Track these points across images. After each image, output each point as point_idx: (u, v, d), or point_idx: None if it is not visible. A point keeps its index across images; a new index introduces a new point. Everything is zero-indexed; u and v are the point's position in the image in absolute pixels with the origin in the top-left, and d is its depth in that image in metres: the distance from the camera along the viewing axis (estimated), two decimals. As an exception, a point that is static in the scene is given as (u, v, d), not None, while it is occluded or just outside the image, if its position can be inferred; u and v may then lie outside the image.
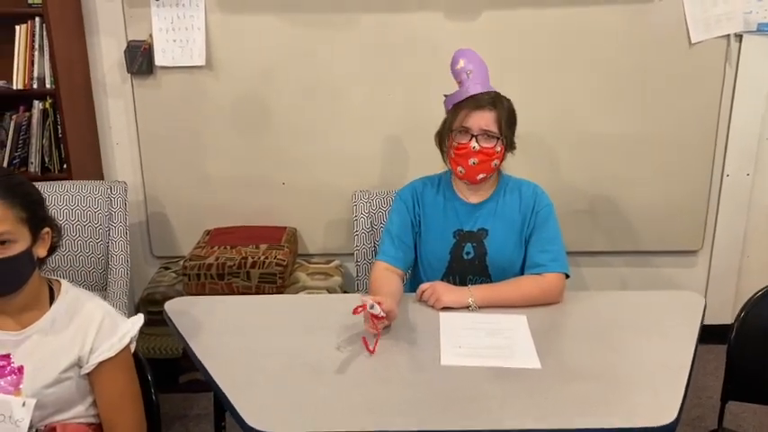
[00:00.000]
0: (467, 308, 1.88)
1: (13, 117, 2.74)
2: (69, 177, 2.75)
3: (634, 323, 1.84)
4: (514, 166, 2.14)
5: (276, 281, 2.72)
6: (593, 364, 1.63)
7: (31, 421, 1.45)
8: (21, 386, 1.45)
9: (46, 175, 2.79)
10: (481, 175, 1.97)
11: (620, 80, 2.93)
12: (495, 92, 1.99)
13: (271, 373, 1.60)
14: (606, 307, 1.94)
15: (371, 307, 1.65)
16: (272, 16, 2.87)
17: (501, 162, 2.00)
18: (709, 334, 2.84)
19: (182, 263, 2.82)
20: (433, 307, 1.89)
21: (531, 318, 1.82)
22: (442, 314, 1.86)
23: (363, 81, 2.94)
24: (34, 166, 2.79)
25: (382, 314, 1.67)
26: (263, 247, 2.83)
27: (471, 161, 1.95)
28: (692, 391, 2.77)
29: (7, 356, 1.47)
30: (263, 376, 1.59)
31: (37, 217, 1.48)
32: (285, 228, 3.04)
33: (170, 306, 1.91)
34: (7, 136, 2.74)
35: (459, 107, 1.97)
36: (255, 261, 2.73)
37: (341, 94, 2.96)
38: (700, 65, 2.90)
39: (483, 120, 1.94)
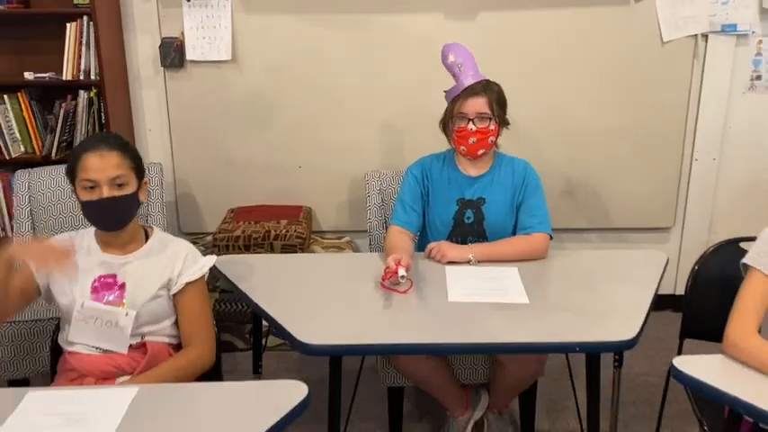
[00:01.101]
0: (468, 262, 2.19)
1: (62, 105, 3.03)
2: (111, 159, 3.06)
3: (607, 271, 2.17)
4: (506, 152, 2.44)
5: (296, 251, 3.03)
6: (571, 300, 1.96)
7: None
8: (124, 300, 1.81)
9: (89, 157, 3.08)
10: (481, 151, 2.29)
11: (600, 75, 3.21)
12: (486, 79, 2.29)
13: (313, 306, 1.94)
14: (584, 261, 2.28)
15: (402, 277, 1.97)
16: (291, 17, 3.16)
17: (497, 138, 2.31)
18: (679, 302, 3.16)
19: (210, 237, 3.13)
20: (439, 262, 2.20)
21: (521, 269, 2.14)
22: (448, 267, 2.17)
23: (370, 76, 3.22)
24: (79, 149, 3.09)
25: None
26: (283, 222, 3.15)
27: (471, 140, 2.27)
28: (661, 352, 3.13)
29: (113, 276, 1.83)
30: (306, 308, 1.92)
31: (140, 168, 1.85)
32: (302, 206, 3.34)
33: (219, 260, 2.20)
34: (57, 122, 3.03)
35: (456, 97, 2.29)
36: (278, 234, 3.05)
37: (350, 87, 3.24)
38: (671, 61, 3.19)
39: (476, 105, 2.25)
